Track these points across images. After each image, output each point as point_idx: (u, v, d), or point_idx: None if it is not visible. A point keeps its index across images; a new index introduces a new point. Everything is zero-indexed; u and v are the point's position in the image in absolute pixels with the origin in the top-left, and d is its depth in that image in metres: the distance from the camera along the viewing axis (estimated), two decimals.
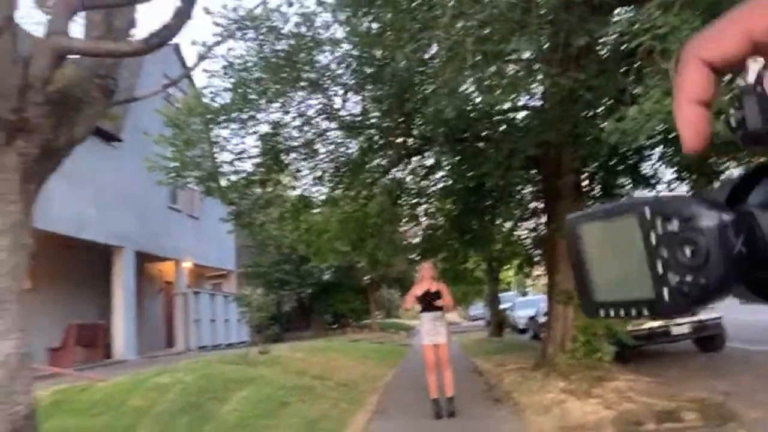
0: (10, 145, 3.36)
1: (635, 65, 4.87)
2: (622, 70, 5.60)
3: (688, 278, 0.27)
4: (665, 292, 0.28)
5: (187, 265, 16.63)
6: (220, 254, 19.50)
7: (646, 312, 0.30)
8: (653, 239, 0.28)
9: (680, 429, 5.09)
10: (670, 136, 6.42)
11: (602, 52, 5.52)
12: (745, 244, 0.26)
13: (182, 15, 3.23)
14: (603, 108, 6.51)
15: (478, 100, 7.31)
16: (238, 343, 18.74)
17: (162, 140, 10.10)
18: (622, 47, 5.92)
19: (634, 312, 0.30)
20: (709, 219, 0.27)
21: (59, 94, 3.61)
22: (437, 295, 6.56)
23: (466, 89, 6.36)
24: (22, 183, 3.43)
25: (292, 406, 7.34)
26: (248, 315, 12.72)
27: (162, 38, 3.31)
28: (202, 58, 4.82)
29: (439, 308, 6.63)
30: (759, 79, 0.29)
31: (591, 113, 7.28)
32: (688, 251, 0.27)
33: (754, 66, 0.29)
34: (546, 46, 5.70)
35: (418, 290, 6.68)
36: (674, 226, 0.27)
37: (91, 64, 3.85)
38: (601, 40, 5.62)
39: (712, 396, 6.01)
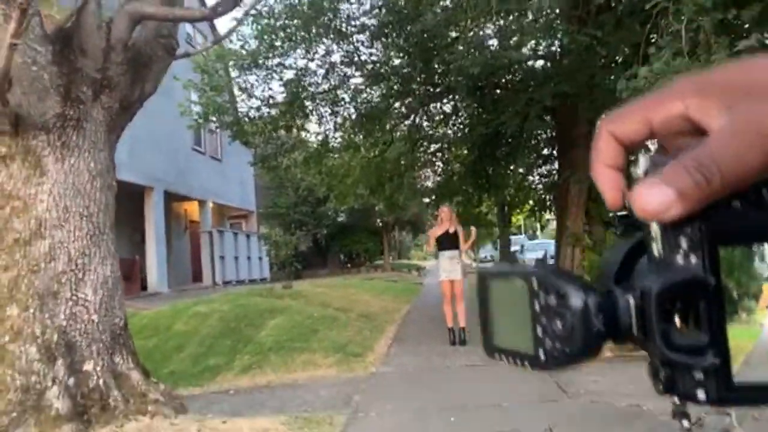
0: (96, 101, 3.89)
1: (649, 24, 5.19)
2: (637, 27, 5.90)
3: (558, 345, 0.31)
4: (541, 352, 0.32)
5: (210, 204, 17.35)
6: (241, 195, 20.21)
7: (527, 364, 0.34)
8: (537, 307, 0.32)
9: None
10: None
11: (619, 9, 5.79)
12: (604, 323, 0.30)
13: None
14: (618, 62, 6.82)
15: (498, 49, 7.61)
16: (260, 279, 19.75)
17: (190, 85, 10.53)
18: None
19: (518, 362, 0.34)
20: (576, 299, 0.30)
21: (133, 53, 4.10)
22: (455, 235, 7.20)
23: (491, 44, 6.69)
24: (107, 133, 3.99)
25: (321, 332, 8.15)
26: (273, 252, 13.48)
27: (228, 6, 3.76)
28: (246, 13, 5.15)
29: (456, 247, 7.24)
30: (647, 172, 0.32)
31: (607, 64, 7.57)
32: (559, 323, 0.31)
33: (643, 161, 0.32)
34: (565, 4, 5.99)
35: (438, 230, 7.28)
36: (552, 300, 0.31)
37: (155, 25, 4.30)
38: None
39: None
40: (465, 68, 5.72)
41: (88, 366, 3.59)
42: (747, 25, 5.15)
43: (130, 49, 4.09)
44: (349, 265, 29.68)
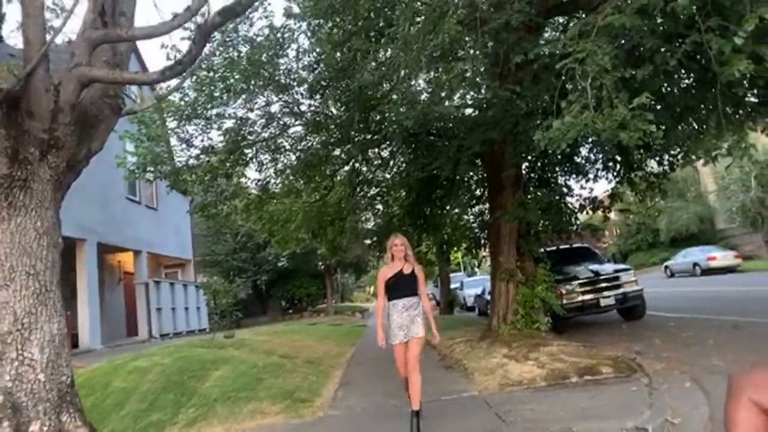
0: (43, 161, 3.97)
1: (561, 80, 5.83)
2: (553, 80, 6.57)
3: None
4: None
5: (146, 255, 16.88)
6: (177, 243, 19.77)
7: None
8: None
9: (597, 380, 6.22)
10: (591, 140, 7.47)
11: (535, 66, 6.44)
12: None
13: (194, 54, 3.89)
14: (538, 111, 7.49)
15: (429, 103, 8.16)
16: (199, 330, 19.17)
17: (127, 136, 10.49)
18: (552, 58, 6.91)
19: None
20: None
21: (80, 114, 4.22)
22: (412, 276, 5.19)
23: (423, 98, 7.19)
24: (53, 192, 4.05)
25: (267, 380, 8.10)
26: (213, 301, 13.28)
27: (176, 72, 3.97)
28: (190, 74, 5.35)
29: (414, 293, 5.18)
30: None
31: (529, 113, 8.27)
32: None
33: None
34: (488, 62, 6.61)
35: (388, 271, 5.19)
36: None
37: (102, 86, 4.45)
38: (534, 56, 6.53)
39: (625, 354, 7.22)
40: (399, 121, 6.17)
41: (34, 427, 3.54)
42: (643, 82, 5.90)
43: (78, 109, 4.21)
44: (290, 311, 29.32)
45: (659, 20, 5.39)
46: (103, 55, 4.50)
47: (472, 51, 6.96)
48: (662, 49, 5.45)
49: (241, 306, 25.40)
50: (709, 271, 24.39)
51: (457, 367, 8.26)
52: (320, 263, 28.23)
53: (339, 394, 7.54)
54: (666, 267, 28.34)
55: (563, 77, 5.94)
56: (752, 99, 6.33)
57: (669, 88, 6.61)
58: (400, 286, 5.16)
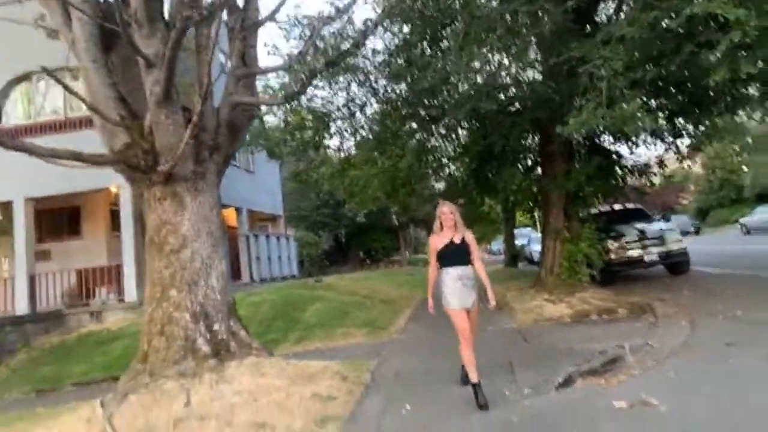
0: (211, 159, 6.06)
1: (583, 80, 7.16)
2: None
3: None
4: None
5: (246, 211, 19.61)
6: (270, 201, 22.47)
7: None
8: None
9: (612, 318, 7.79)
10: None
11: (566, 68, 7.74)
12: None
13: (305, 86, 5.73)
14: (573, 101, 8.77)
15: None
16: (290, 276, 22.00)
17: None
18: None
19: None
20: None
21: (230, 125, 6.27)
22: (464, 245, 5.08)
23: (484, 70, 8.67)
24: (216, 179, 6.16)
25: (352, 313, 10.29)
26: (305, 251, 15.68)
27: (292, 98, 5.87)
28: (302, 87, 7.06)
29: (467, 262, 5.05)
30: None
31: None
32: None
33: None
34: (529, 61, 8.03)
35: (438, 241, 5.13)
36: None
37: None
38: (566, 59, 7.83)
39: (644, 300, 8.65)
40: (454, 114, 7.78)
41: (216, 327, 5.75)
42: (651, 82, 7.14)
43: (230, 122, 6.25)
44: (368, 262, 31.93)
45: (662, 33, 6.59)
46: (240, 83, 6.48)
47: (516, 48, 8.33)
48: (665, 57, 6.68)
49: (325, 256, 28.28)
50: None
51: (505, 309, 10.00)
52: (395, 217, 30.36)
53: (408, 326, 9.55)
54: (742, 225, 27.95)
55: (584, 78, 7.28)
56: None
57: (682, 87, 7.76)
58: (453, 256, 5.05)
